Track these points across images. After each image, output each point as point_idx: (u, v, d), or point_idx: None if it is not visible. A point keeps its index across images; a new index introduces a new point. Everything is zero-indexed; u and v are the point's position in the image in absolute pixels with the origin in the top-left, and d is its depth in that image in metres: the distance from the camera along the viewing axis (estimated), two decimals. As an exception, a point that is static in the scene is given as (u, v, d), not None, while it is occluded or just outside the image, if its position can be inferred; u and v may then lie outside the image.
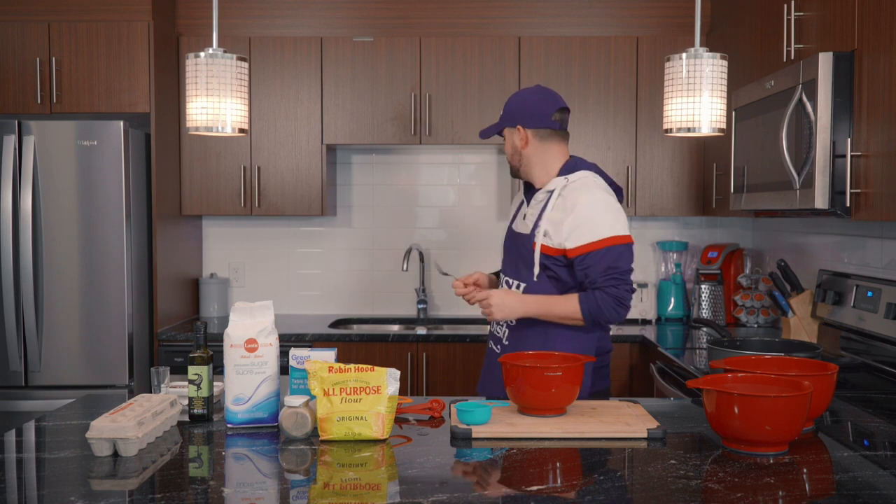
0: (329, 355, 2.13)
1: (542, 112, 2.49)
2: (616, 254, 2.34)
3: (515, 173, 2.59)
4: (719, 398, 1.81)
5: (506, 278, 2.57)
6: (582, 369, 2.08)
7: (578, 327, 2.42)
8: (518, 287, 2.49)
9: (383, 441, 1.94)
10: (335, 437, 1.94)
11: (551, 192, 2.44)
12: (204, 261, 4.46)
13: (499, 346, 2.57)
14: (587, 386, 2.44)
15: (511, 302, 2.43)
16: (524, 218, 2.53)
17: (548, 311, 2.41)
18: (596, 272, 2.34)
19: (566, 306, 2.39)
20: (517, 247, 2.52)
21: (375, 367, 1.96)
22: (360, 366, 1.96)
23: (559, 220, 2.38)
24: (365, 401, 1.93)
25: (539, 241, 2.41)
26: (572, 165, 2.49)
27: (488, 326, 2.66)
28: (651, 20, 4.10)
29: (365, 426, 1.93)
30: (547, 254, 2.40)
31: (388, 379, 1.96)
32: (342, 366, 1.95)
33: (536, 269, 2.43)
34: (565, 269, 2.41)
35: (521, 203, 2.60)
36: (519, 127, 2.51)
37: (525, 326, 2.48)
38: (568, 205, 2.37)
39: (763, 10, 3.23)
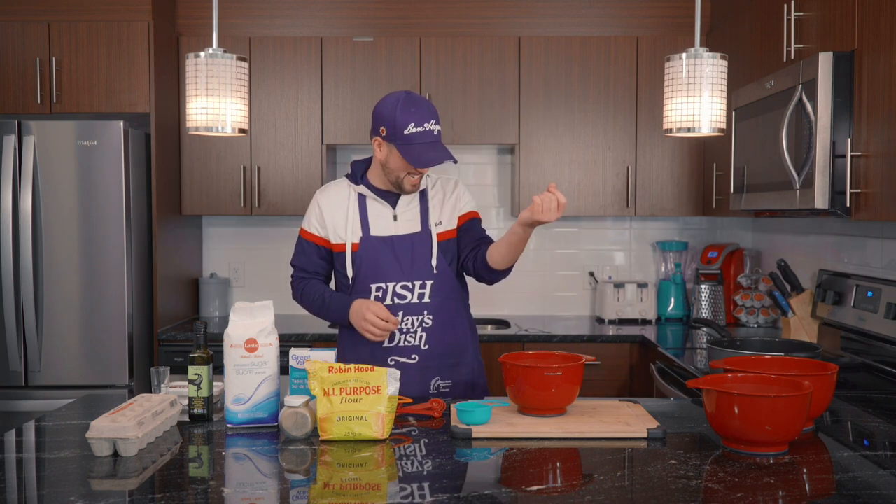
0: (329, 355, 2.13)
1: None
2: (480, 223, 2.61)
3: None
4: (719, 398, 1.81)
5: (400, 284, 2.45)
6: (582, 369, 2.08)
7: (471, 317, 2.62)
8: (423, 286, 2.45)
9: (383, 441, 1.94)
10: (335, 437, 1.94)
11: (423, 190, 2.53)
12: (204, 261, 4.46)
13: (414, 356, 2.48)
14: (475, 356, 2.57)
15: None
16: (395, 219, 2.48)
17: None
18: (480, 231, 2.57)
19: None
20: (406, 248, 2.46)
21: (375, 367, 1.96)
22: (360, 366, 1.96)
23: (445, 207, 2.52)
24: (365, 401, 1.93)
25: (434, 231, 2.49)
26: None
27: (395, 341, 2.49)
28: (651, 20, 4.10)
29: (365, 426, 1.93)
30: (443, 240, 2.50)
31: (388, 379, 1.96)
32: (342, 366, 1.95)
33: (435, 262, 2.46)
34: (455, 248, 2.54)
35: (358, 211, 2.48)
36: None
37: (442, 327, 2.48)
38: (447, 192, 2.55)
39: (763, 10, 3.23)
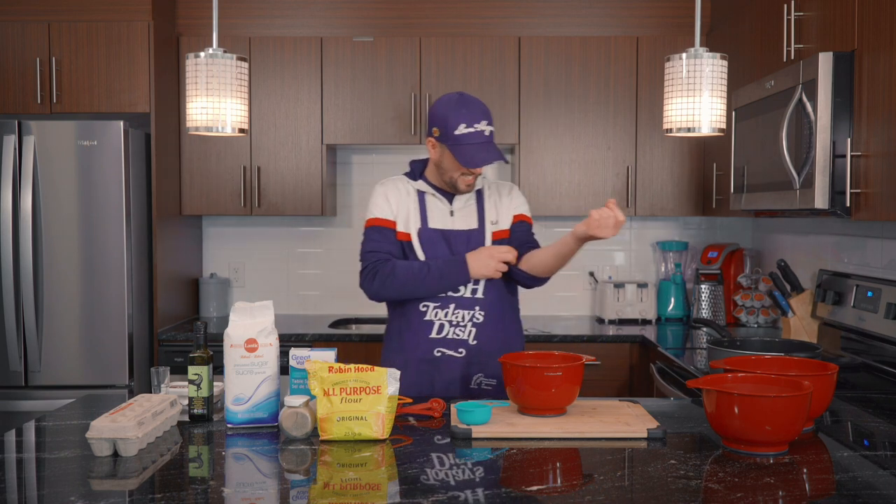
0: (329, 355, 2.13)
1: None
2: (532, 228, 2.66)
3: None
4: (719, 398, 1.81)
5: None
6: (582, 369, 2.08)
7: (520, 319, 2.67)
8: (477, 282, 2.49)
9: (383, 441, 1.94)
10: (335, 437, 1.94)
11: (478, 190, 2.58)
12: (204, 261, 4.46)
13: (461, 350, 2.50)
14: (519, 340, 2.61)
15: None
16: (451, 214, 2.53)
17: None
18: (530, 235, 2.62)
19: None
20: (462, 242, 2.51)
21: (375, 367, 1.96)
22: (360, 366, 1.96)
23: (502, 208, 2.57)
24: (365, 401, 1.93)
25: (489, 229, 2.53)
26: None
27: (443, 333, 2.51)
28: (651, 20, 4.10)
29: (365, 426, 1.93)
30: (498, 239, 2.54)
31: (388, 379, 1.96)
32: (342, 366, 1.95)
33: None
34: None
35: (418, 204, 2.53)
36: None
37: (493, 324, 2.50)
38: (504, 194, 2.61)
39: (763, 10, 3.23)
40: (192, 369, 2.08)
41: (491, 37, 4.06)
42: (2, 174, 3.53)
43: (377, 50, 4.05)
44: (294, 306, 4.47)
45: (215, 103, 2.11)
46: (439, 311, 2.49)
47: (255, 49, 4.06)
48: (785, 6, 2.93)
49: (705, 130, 2.09)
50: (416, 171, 2.59)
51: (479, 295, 2.50)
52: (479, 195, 2.58)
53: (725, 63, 2.09)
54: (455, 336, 2.49)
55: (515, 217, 2.60)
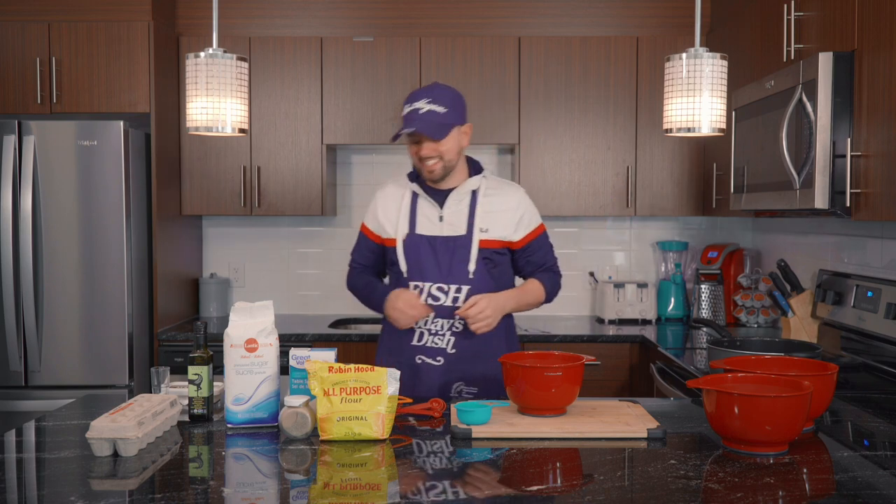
0: (329, 355, 2.13)
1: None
2: (547, 236, 2.63)
3: (440, 178, 2.47)
4: (719, 398, 1.81)
5: (436, 285, 2.47)
6: (582, 369, 2.08)
7: (510, 325, 2.63)
8: (459, 290, 2.46)
9: (383, 441, 1.94)
10: (335, 437, 1.94)
11: (474, 190, 2.51)
12: (204, 261, 4.46)
13: (440, 359, 2.49)
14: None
15: (498, 307, 2.45)
16: (440, 220, 2.49)
17: (522, 302, 2.56)
18: (542, 255, 2.60)
19: (534, 292, 2.57)
20: (447, 250, 2.47)
21: (375, 367, 1.96)
22: (360, 366, 1.96)
23: (497, 215, 2.50)
24: (365, 401, 1.93)
25: (476, 237, 2.47)
26: (476, 164, 2.58)
27: (423, 341, 2.51)
28: (651, 20, 4.10)
29: (365, 426, 1.93)
30: (487, 248, 2.48)
31: (388, 379, 1.96)
32: (342, 366, 1.95)
33: (473, 266, 2.46)
34: (505, 259, 2.54)
35: (409, 207, 2.51)
36: (469, 123, 2.51)
37: (472, 333, 2.46)
38: (503, 200, 2.52)
39: (763, 10, 3.23)
40: (192, 369, 2.08)
41: (491, 37, 4.06)
42: (2, 174, 3.53)
43: (377, 50, 4.05)
44: (294, 306, 4.47)
45: (215, 103, 2.11)
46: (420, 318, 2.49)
47: (255, 49, 4.05)
48: (785, 6, 2.93)
49: (705, 130, 2.09)
50: (416, 170, 2.58)
51: (460, 303, 2.46)
52: (474, 198, 2.51)
53: (725, 63, 2.09)
54: (434, 344, 2.49)
55: (525, 239, 2.55)
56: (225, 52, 2.12)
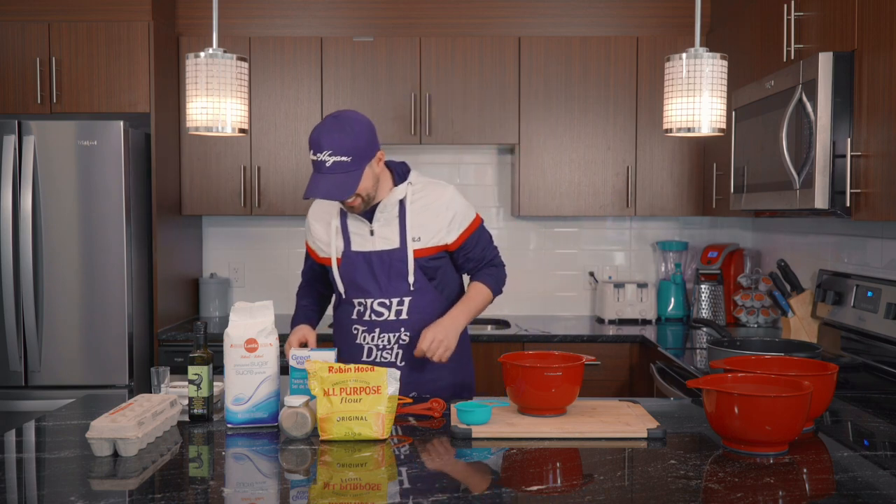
0: (329, 355, 2.14)
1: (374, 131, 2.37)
2: (483, 229, 2.55)
3: (365, 209, 2.37)
4: (719, 398, 1.81)
5: (377, 301, 2.43)
6: (582, 369, 2.08)
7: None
8: (401, 303, 2.42)
9: (383, 441, 1.94)
10: (335, 437, 1.94)
11: (401, 200, 2.42)
12: (204, 261, 4.46)
13: None
14: (452, 379, 2.52)
15: (450, 329, 2.40)
16: (371, 234, 2.42)
17: (472, 312, 2.50)
18: (481, 250, 2.53)
19: (481, 297, 2.52)
20: (384, 264, 2.41)
21: (375, 367, 1.96)
22: (360, 366, 1.96)
23: (428, 220, 2.43)
24: (365, 401, 1.93)
25: (410, 248, 2.41)
26: (399, 170, 2.48)
27: (372, 356, 2.47)
28: (651, 20, 4.10)
29: (365, 426, 1.93)
30: (423, 256, 2.43)
31: (388, 379, 1.96)
32: (342, 366, 1.95)
33: (412, 279, 2.41)
34: (444, 262, 2.49)
35: (339, 226, 2.44)
36: (379, 152, 2.36)
37: (423, 328, 2.42)
38: (432, 204, 2.44)
39: (763, 10, 3.23)
40: (192, 369, 2.08)
41: (491, 37, 4.06)
42: (2, 174, 3.53)
43: (377, 50, 4.05)
44: (294, 306, 4.46)
45: (215, 103, 2.11)
46: (367, 335, 2.46)
47: (255, 49, 4.06)
48: (785, 6, 2.93)
49: (705, 130, 2.09)
50: None
51: (404, 316, 2.43)
52: (402, 208, 2.42)
53: (725, 63, 2.09)
54: (383, 359, 2.46)
55: (459, 238, 2.47)
56: (225, 52, 2.12)
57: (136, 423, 1.82)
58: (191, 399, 2.09)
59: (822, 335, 3.21)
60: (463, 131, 4.06)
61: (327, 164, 2.25)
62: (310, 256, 2.61)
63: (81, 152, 3.55)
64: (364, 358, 2.47)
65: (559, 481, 1.71)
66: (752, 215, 3.34)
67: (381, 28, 4.10)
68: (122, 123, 3.56)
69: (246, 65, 2.16)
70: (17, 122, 3.54)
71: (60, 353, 3.59)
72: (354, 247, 2.44)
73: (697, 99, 2.07)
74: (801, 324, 3.28)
